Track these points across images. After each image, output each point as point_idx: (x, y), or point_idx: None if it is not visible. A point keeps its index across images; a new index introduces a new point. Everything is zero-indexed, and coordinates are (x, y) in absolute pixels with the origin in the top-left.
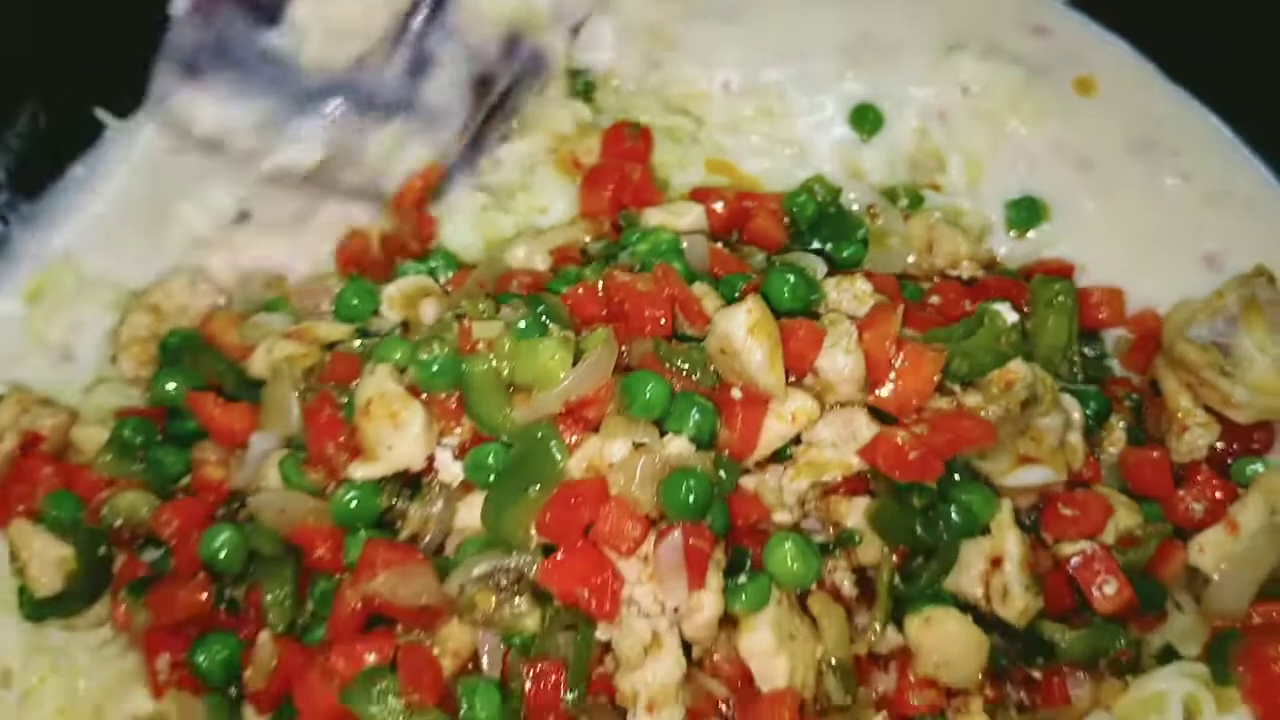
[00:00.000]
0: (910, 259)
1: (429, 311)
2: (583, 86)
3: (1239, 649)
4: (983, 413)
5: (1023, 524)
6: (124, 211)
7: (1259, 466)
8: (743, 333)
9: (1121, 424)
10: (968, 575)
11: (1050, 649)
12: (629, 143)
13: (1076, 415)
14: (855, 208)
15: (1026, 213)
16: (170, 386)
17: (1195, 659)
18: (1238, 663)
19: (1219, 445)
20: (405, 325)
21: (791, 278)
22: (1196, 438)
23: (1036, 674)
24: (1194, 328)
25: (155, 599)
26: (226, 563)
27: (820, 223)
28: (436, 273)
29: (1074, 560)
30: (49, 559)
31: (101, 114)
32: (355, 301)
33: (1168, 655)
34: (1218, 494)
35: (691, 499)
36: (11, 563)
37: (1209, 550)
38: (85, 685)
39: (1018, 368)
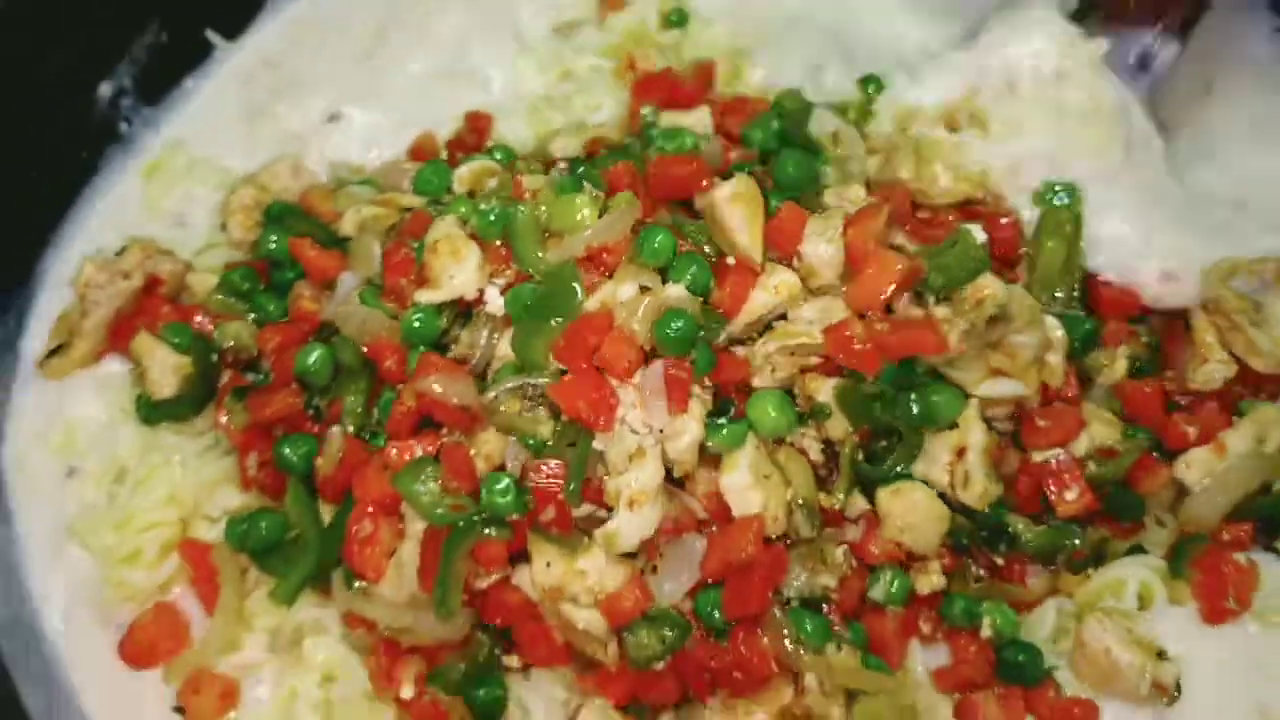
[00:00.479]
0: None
1: (490, 185)
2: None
3: (1198, 551)
4: (948, 325)
5: (996, 429)
6: (229, 112)
7: (1260, 403)
8: (726, 199)
9: (1126, 353)
10: (936, 465)
11: (1012, 539)
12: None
13: (1059, 334)
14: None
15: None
16: (273, 240)
17: (1159, 558)
18: (1194, 563)
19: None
20: (471, 194)
21: (797, 155)
22: (1214, 370)
23: (999, 560)
24: (1236, 279)
25: (254, 402)
26: (316, 374)
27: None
28: (496, 158)
29: (1039, 464)
30: (167, 365)
31: (211, 35)
32: (432, 178)
33: (1134, 553)
34: (1215, 423)
35: (677, 335)
36: (132, 370)
37: (1194, 466)
38: (189, 480)
39: (987, 283)
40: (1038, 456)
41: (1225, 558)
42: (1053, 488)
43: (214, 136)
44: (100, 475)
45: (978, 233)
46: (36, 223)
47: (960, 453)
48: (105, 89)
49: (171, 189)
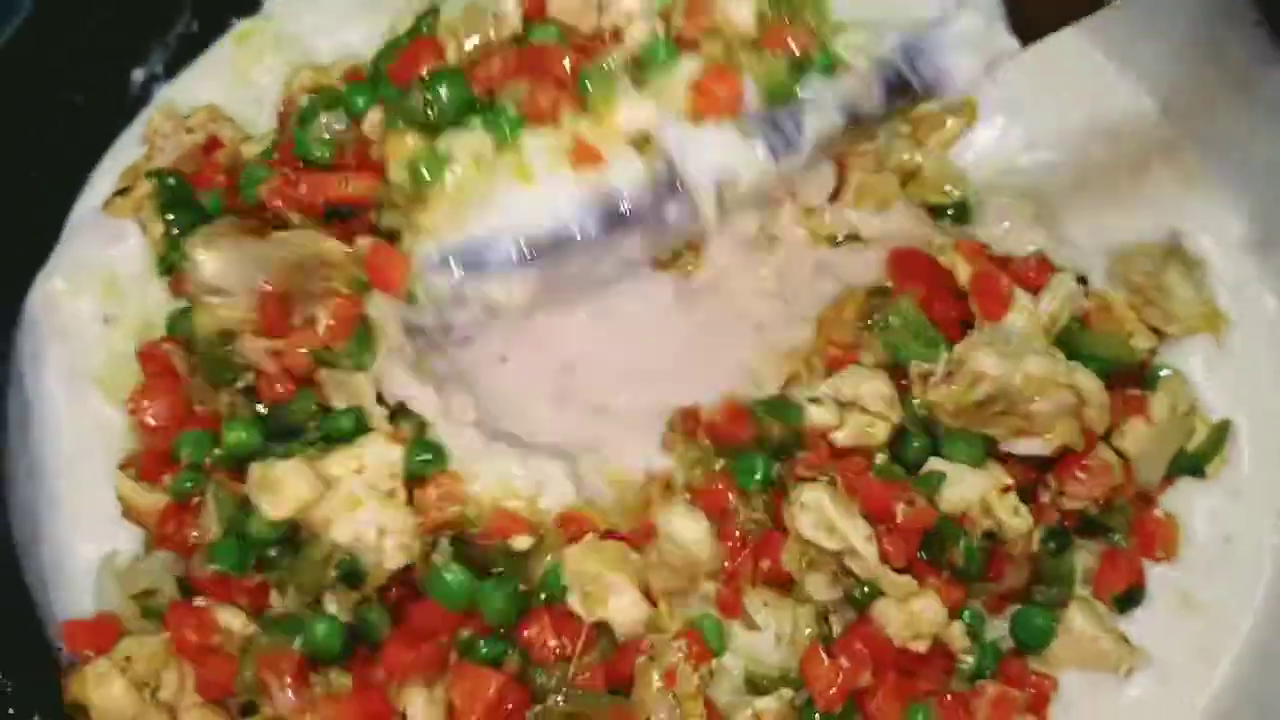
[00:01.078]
0: None
1: None
2: None
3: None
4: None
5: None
6: None
7: (1167, 371)
8: None
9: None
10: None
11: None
12: None
13: (1093, 388)
14: None
15: None
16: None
17: None
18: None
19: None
20: None
21: None
22: (1139, 342)
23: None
24: (1136, 263)
25: None
26: None
27: None
28: None
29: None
30: None
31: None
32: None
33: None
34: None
35: None
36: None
37: (1130, 437)
38: None
39: (982, 363)
40: (1069, 503)
41: (1150, 515)
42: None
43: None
44: (132, 327)
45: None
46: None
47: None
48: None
49: (257, 62)
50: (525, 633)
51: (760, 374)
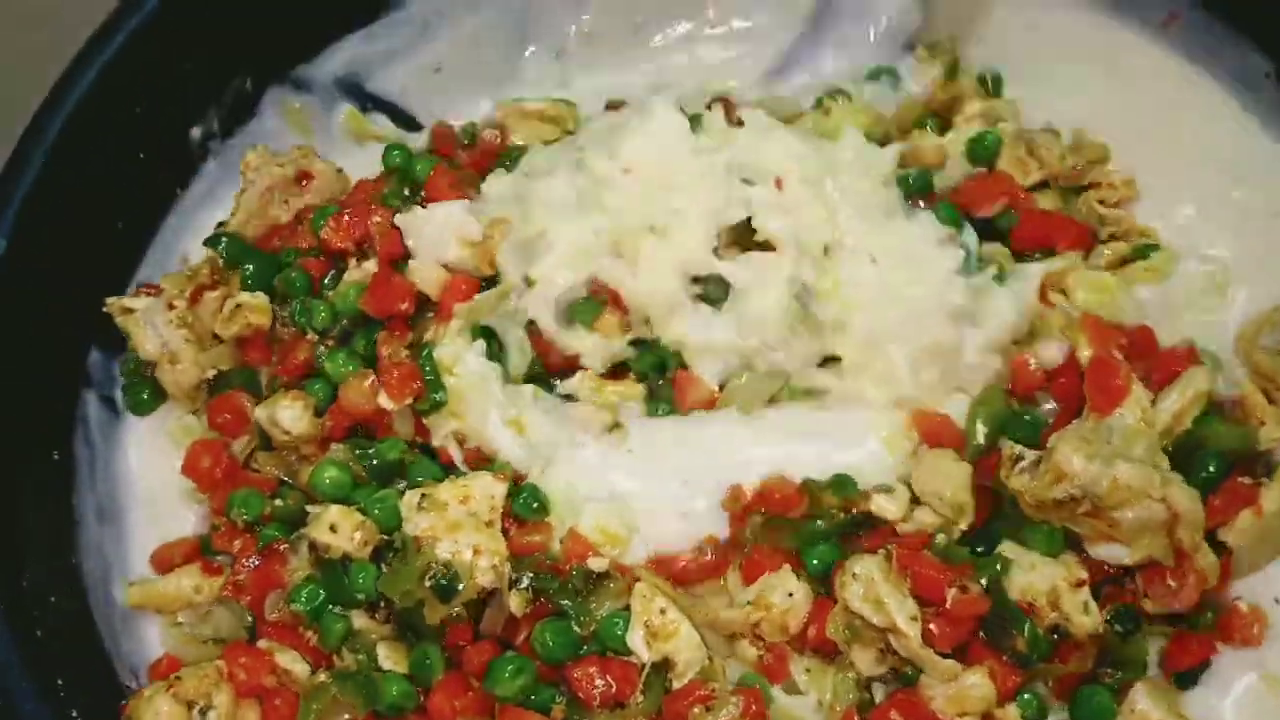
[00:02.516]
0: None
1: None
2: None
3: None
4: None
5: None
6: None
7: None
8: None
9: None
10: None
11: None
12: None
13: (1189, 507)
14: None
15: None
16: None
17: None
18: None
19: None
20: None
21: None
22: (1271, 431)
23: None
24: (1264, 336)
25: None
26: None
27: None
28: None
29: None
30: None
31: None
32: None
33: None
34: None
35: None
36: None
37: (1236, 530)
38: None
39: (1066, 461)
40: (1151, 607)
41: (1233, 604)
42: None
43: None
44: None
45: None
46: None
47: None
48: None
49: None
50: (574, 673)
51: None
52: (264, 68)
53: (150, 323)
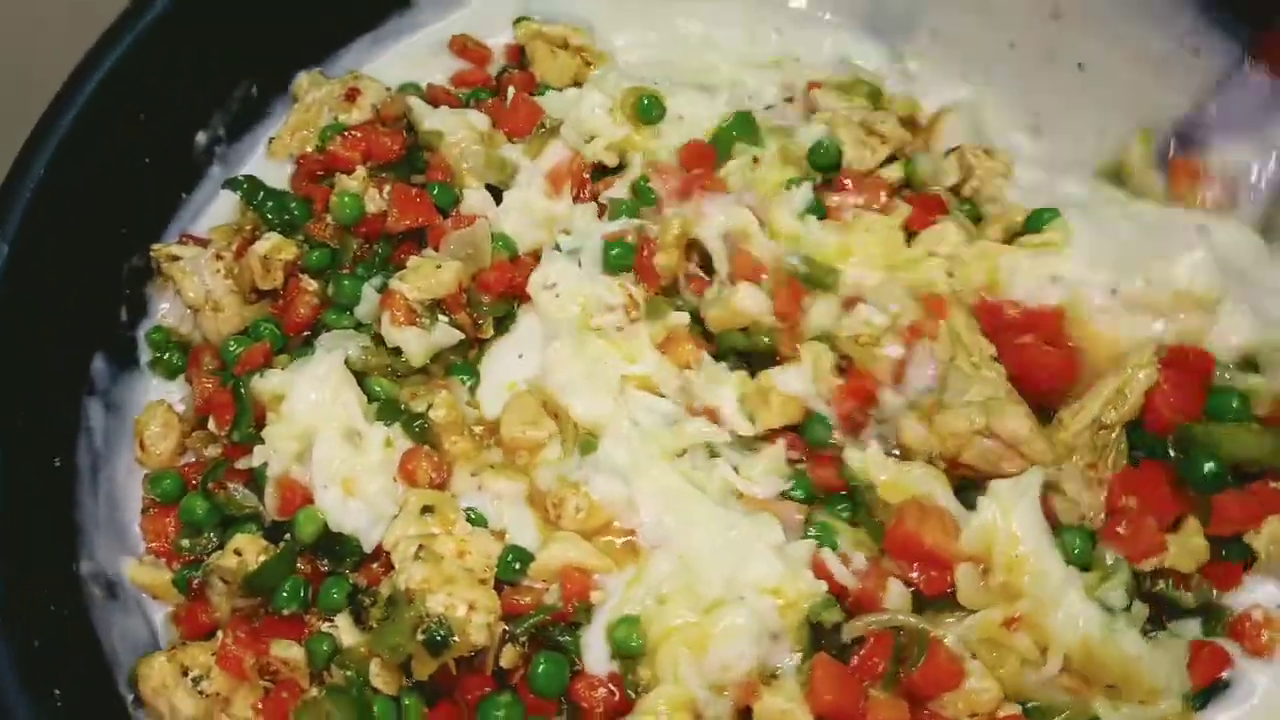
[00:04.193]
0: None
1: None
2: None
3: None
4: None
5: None
6: None
7: None
8: None
9: None
10: None
11: None
12: None
13: (1012, 428)
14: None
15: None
16: None
17: None
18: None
19: None
20: None
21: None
22: None
23: None
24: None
25: None
26: None
27: None
28: None
29: None
30: None
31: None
32: None
33: None
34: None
35: None
36: None
37: (1265, 536)
38: None
39: (907, 435)
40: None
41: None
42: None
43: None
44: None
45: None
46: None
47: None
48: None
49: None
50: (576, 686)
51: None
52: (271, 72)
53: (196, 270)
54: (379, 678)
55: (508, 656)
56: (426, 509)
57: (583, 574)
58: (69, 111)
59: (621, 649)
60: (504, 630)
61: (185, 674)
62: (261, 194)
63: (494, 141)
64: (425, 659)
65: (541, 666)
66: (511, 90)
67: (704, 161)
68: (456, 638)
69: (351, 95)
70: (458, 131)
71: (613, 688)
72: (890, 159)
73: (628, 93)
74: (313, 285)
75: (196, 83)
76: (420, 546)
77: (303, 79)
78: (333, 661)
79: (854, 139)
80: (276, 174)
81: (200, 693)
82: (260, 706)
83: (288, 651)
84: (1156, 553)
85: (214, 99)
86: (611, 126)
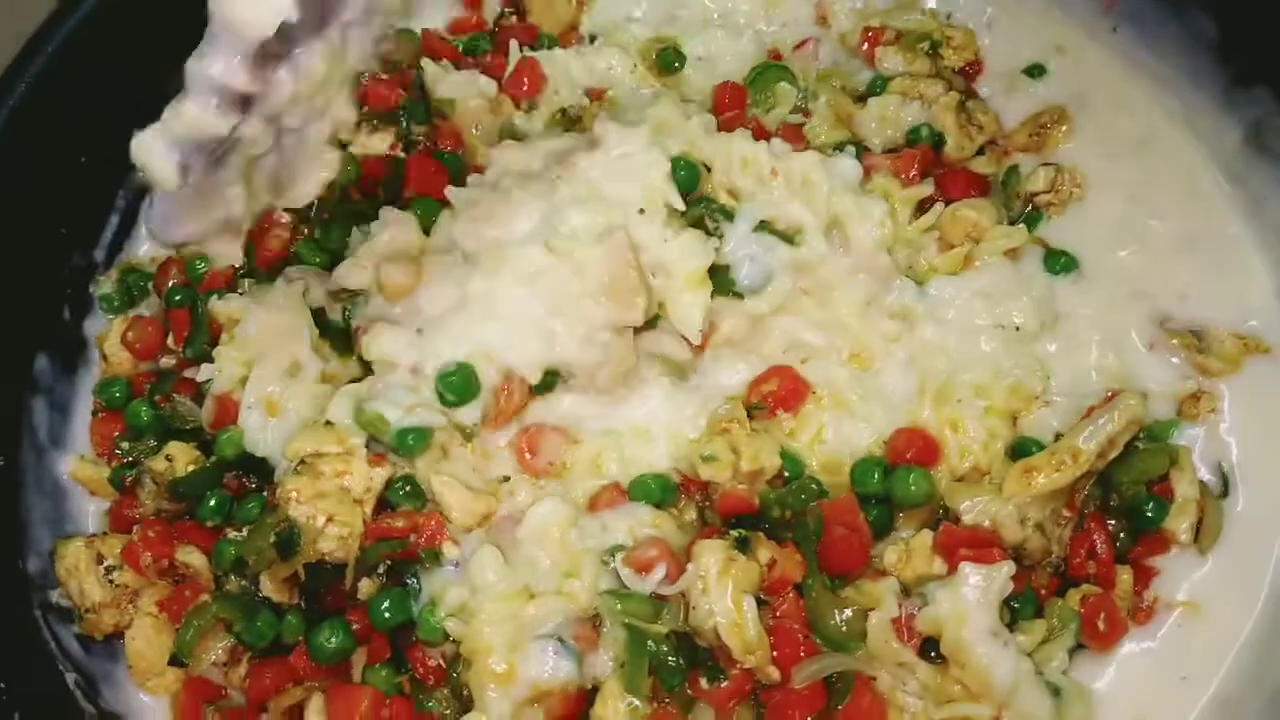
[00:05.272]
0: None
1: None
2: None
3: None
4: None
5: None
6: None
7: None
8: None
9: None
10: None
11: None
12: None
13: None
14: None
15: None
16: None
17: None
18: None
19: None
20: None
21: None
22: None
23: None
24: None
25: None
26: None
27: None
28: None
29: None
30: None
31: None
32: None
33: None
34: None
35: None
36: None
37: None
38: None
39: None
40: None
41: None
42: None
43: None
44: None
45: None
46: None
47: None
48: None
49: None
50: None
51: None
52: None
53: None
54: (269, 587)
55: (365, 588)
56: (328, 423)
57: (439, 522)
58: (1, 111)
59: (428, 636)
60: (367, 561)
61: (100, 561)
62: None
63: (501, 108)
64: (278, 562)
65: (385, 602)
66: (514, 51)
67: (737, 104)
68: (303, 542)
69: None
70: (470, 100)
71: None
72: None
73: (647, 45)
74: (286, 218)
75: (132, 78)
76: (303, 461)
77: None
78: (233, 569)
79: (957, 126)
80: None
81: (110, 581)
82: (160, 604)
83: (189, 556)
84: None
85: (150, 94)
86: (633, 81)
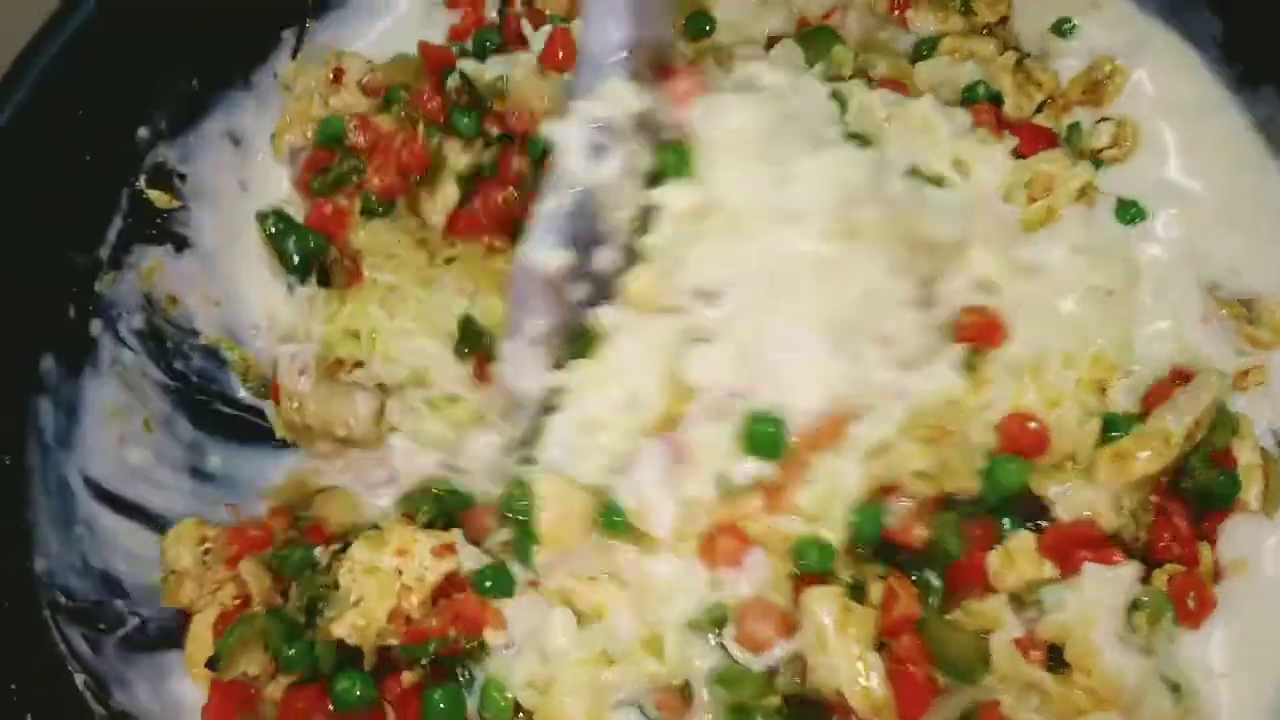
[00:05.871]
0: None
1: None
2: None
3: None
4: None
5: None
6: None
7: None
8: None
9: None
10: None
11: None
12: None
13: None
14: None
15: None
16: None
17: None
18: None
19: None
20: None
21: None
22: None
23: None
24: None
25: None
26: None
27: None
28: None
29: None
30: None
31: None
32: None
33: None
34: None
35: None
36: None
37: None
38: None
39: None
40: None
41: None
42: None
43: None
44: None
45: None
46: None
47: None
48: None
49: None
50: None
51: None
52: (214, 60)
53: None
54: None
55: (406, 678)
56: None
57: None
58: (5, 110)
59: (494, 714)
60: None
61: (201, 542)
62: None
63: (550, 79)
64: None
65: (439, 698)
66: (531, 33)
67: None
68: (320, 619)
69: (337, 76)
70: (521, 71)
71: None
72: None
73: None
74: None
75: (135, 78)
76: (376, 527)
77: (290, 68)
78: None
79: (1015, 86)
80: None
81: (204, 561)
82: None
83: (252, 572)
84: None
85: (154, 95)
86: None
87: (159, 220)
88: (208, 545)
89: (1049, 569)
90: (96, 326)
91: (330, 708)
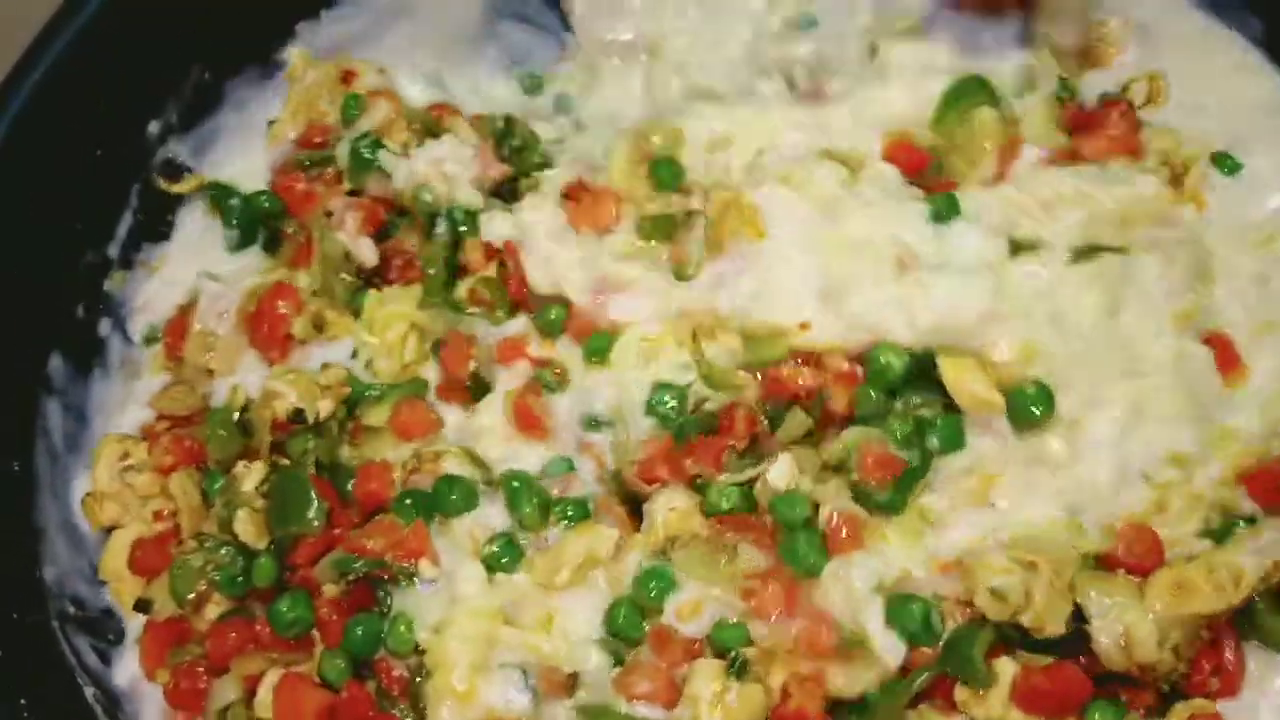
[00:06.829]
0: None
1: None
2: None
3: None
4: None
5: None
6: None
7: None
8: None
9: None
10: None
11: None
12: None
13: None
14: None
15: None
16: None
17: None
18: None
19: None
20: None
21: None
22: None
23: None
24: None
25: None
26: None
27: None
28: None
29: None
30: None
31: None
32: None
33: None
34: None
35: None
36: None
37: None
38: None
39: None
40: None
41: None
42: None
43: None
44: None
45: None
46: None
47: None
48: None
49: None
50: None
51: None
52: (223, 58)
53: None
54: (242, 524)
55: (329, 591)
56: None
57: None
58: (13, 105)
59: (397, 647)
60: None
61: (124, 458)
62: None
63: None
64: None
65: (359, 629)
66: None
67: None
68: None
69: (346, 77)
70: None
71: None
72: None
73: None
74: None
75: (146, 71)
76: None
77: (296, 59)
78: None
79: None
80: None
81: (125, 479)
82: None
83: (178, 486)
84: None
85: (165, 88)
86: None
87: (169, 217)
88: (129, 462)
89: (1015, 716)
90: (105, 326)
91: (258, 636)
